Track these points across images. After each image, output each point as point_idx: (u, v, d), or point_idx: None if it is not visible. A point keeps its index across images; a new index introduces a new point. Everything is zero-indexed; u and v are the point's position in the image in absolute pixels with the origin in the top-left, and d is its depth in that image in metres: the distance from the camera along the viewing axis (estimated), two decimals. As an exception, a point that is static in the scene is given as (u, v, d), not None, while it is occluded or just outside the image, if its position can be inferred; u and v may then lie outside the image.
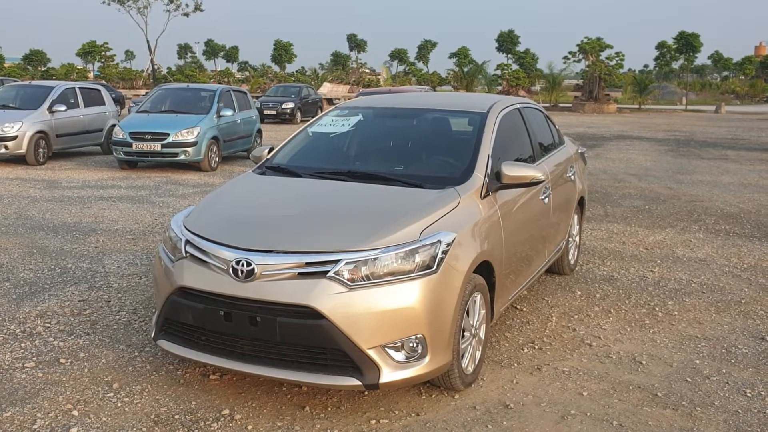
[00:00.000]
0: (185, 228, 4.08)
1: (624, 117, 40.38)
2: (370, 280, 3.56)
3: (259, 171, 4.92)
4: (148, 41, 50.79)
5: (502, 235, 4.41)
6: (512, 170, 4.46)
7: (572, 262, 6.61)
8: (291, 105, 28.91)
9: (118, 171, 13.45)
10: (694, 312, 5.56)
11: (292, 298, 3.53)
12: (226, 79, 58.15)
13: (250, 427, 3.65)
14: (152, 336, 4.12)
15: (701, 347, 4.83)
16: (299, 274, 3.59)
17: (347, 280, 3.54)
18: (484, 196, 4.35)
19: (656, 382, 4.25)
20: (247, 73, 66.48)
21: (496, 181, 4.47)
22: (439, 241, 3.72)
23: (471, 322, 4.06)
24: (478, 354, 4.23)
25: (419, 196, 4.17)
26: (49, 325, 5.06)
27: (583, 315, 5.47)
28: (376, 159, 5.09)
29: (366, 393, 4.00)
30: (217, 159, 13.89)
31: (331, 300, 3.50)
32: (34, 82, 16.89)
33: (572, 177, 6.25)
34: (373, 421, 3.73)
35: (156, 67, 55.30)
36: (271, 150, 5.21)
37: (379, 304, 3.54)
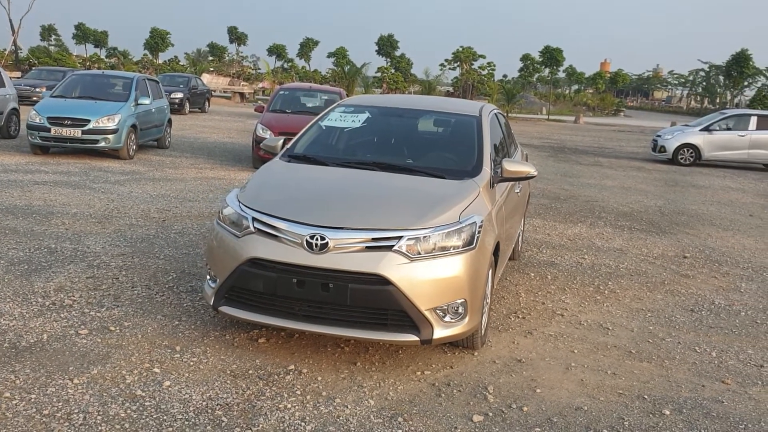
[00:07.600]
0: (245, 206, 4.57)
1: (495, 123, 42.74)
2: (425, 253, 4.26)
3: (286, 159, 5.45)
4: (11, 21, 47.51)
5: (503, 220, 5.23)
6: (512, 166, 5.29)
7: (520, 249, 7.57)
8: (180, 95, 28.23)
9: (31, 156, 13.08)
10: (631, 290, 6.66)
11: (364, 267, 4.16)
12: (96, 65, 55.71)
13: (319, 378, 4.24)
14: (211, 303, 4.57)
15: (649, 317, 5.89)
16: (366, 247, 4.22)
17: (407, 252, 4.22)
18: (491, 187, 5.15)
19: (626, 343, 5.23)
20: (114, 59, 63.88)
21: (498, 175, 5.28)
22: (475, 222, 4.48)
23: (487, 292, 4.85)
24: (486, 319, 5.02)
25: (447, 185, 4.90)
26: (74, 298, 5.32)
27: (545, 292, 6.41)
28: (391, 152, 5.74)
29: (401, 351, 4.68)
30: (134, 147, 13.84)
31: (396, 269, 4.16)
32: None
33: (527, 174, 7.19)
34: (418, 373, 4.43)
35: (17, 48, 51.99)
36: (285, 141, 5.73)
37: (434, 274, 4.25)
